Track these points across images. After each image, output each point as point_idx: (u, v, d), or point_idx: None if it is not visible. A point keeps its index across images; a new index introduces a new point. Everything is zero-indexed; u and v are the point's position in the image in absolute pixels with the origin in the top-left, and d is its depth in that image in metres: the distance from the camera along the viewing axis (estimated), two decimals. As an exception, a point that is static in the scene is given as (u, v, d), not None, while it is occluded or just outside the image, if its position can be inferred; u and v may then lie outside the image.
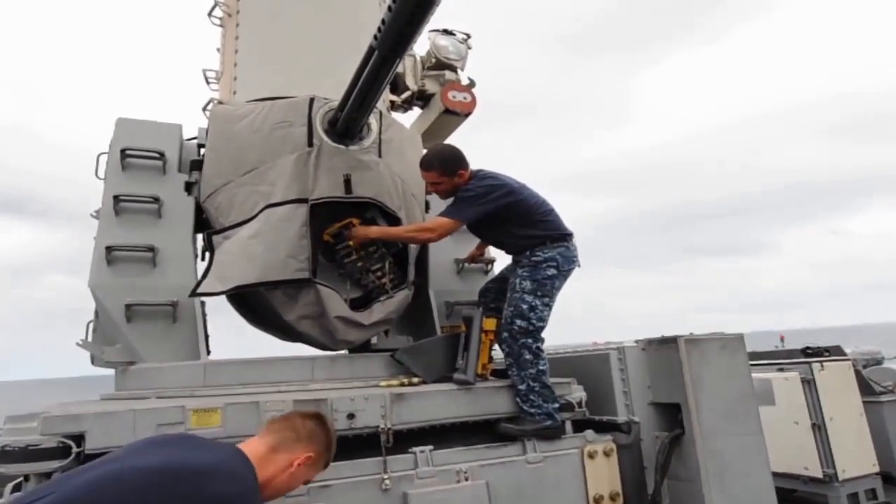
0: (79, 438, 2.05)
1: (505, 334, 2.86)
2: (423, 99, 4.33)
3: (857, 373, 5.43)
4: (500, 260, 3.50)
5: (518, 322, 2.82)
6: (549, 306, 2.88)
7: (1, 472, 1.98)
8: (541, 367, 2.78)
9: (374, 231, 2.98)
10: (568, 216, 3.07)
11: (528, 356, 2.78)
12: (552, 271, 2.88)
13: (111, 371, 2.86)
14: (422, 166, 3.02)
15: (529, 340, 2.80)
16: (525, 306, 2.82)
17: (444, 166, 2.96)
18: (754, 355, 4.40)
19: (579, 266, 3.02)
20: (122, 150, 3.14)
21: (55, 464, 1.99)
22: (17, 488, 2.13)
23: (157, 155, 3.20)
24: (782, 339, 8.66)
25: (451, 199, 3.06)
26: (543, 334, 2.87)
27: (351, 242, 2.93)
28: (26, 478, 2.08)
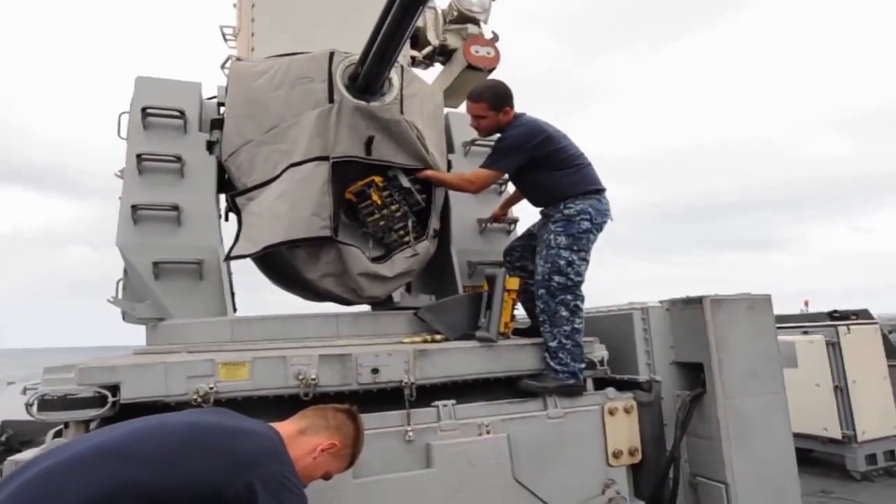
0: (114, 388, 2.11)
1: (542, 291, 2.84)
2: (444, 54, 4.20)
3: (884, 337, 5.37)
4: (524, 220, 3.47)
5: (556, 278, 2.80)
6: (585, 261, 2.86)
7: (42, 420, 2.06)
8: (576, 325, 2.77)
9: (430, 173, 3.06)
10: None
11: (564, 313, 2.77)
12: (586, 224, 2.85)
13: (133, 342, 2.93)
14: (471, 97, 2.99)
15: (569, 297, 2.79)
16: (562, 262, 2.80)
17: (494, 100, 2.94)
18: (780, 318, 4.37)
19: (612, 220, 2.98)
20: (143, 109, 3.13)
21: (92, 412, 2.06)
22: (58, 435, 2.22)
23: (177, 113, 3.19)
24: (807, 304, 8.56)
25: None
26: (583, 289, 2.85)
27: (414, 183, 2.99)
28: (66, 425, 2.16)
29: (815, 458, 5.40)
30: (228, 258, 2.89)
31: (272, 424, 1.78)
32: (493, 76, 3.99)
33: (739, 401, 2.80)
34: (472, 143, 3.68)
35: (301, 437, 1.80)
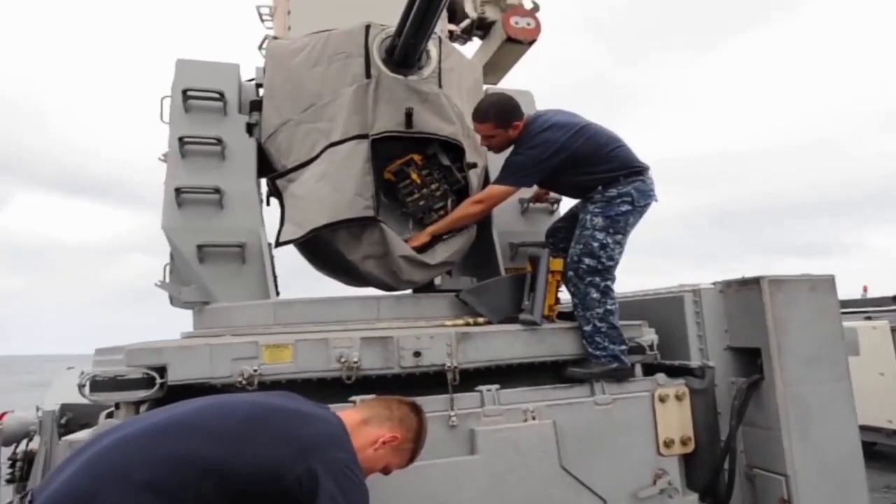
0: (161, 370, 2.13)
1: (570, 273, 2.74)
2: (483, 28, 4.04)
3: (955, 321, 5.01)
4: (567, 199, 3.34)
5: (586, 260, 2.69)
6: (620, 244, 2.73)
7: (94, 400, 2.10)
8: (608, 307, 2.66)
9: (430, 230, 2.87)
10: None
11: (594, 294, 2.67)
12: (626, 207, 2.72)
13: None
14: (476, 118, 2.84)
15: (598, 279, 2.68)
16: (596, 244, 2.69)
17: (500, 118, 2.79)
18: (841, 303, 4.14)
19: (657, 201, 2.83)
20: (184, 91, 3.14)
21: (141, 393, 2.09)
22: (109, 416, 2.27)
23: (217, 95, 3.18)
24: (865, 290, 8.13)
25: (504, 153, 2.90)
26: (616, 272, 2.73)
27: (413, 245, 2.81)
28: (117, 406, 2.20)
29: (879, 451, 5.13)
30: (278, 244, 2.87)
31: (336, 412, 1.76)
32: (534, 48, 3.82)
33: (800, 388, 2.65)
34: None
35: (364, 427, 1.76)
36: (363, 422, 1.78)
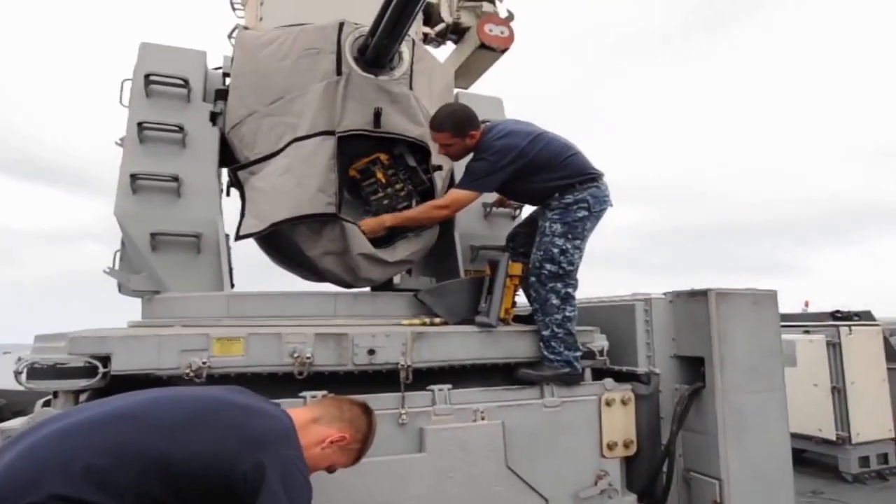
0: (105, 359, 2.08)
1: (532, 279, 2.81)
2: (457, 32, 4.09)
3: (885, 339, 5.33)
4: (528, 206, 3.41)
5: (548, 266, 2.76)
6: (580, 249, 2.81)
7: (31, 388, 2.03)
8: (567, 314, 2.73)
9: (389, 219, 2.88)
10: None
11: (554, 301, 2.74)
12: (583, 213, 2.80)
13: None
14: (432, 127, 2.87)
15: (559, 285, 2.75)
16: (556, 250, 2.76)
17: (457, 128, 2.83)
18: (782, 317, 4.36)
19: (611, 206, 2.93)
20: (147, 76, 3.06)
21: (82, 382, 2.03)
22: (46, 404, 2.19)
23: (181, 82, 3.11)
24: (807, 305, 8.52)
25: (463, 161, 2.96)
26: (576, 276, 2.81)
27: (364, 229, 2.81)
28: (55, 394, 2.13)
29: (808, 458, 5.41)
30: (238, 237, 2.84)
31: (287, 409, 1.74)
32: (506, 56, 3.89)
33: (738, 396, 2.78)
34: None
35: (313, 425, 1.76)
36: (313, 420, 1.78)
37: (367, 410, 1.90)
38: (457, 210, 2.95)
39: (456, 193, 2.87)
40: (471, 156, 2.94)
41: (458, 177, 3.18)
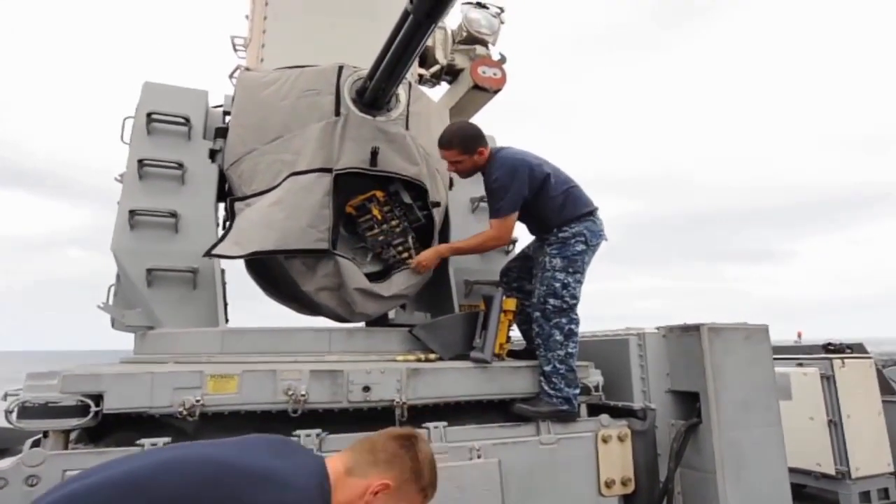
0: (97, 398, 2.06)
1: (537, 314, 2.82)
2: (451, 74, 4.22)
3: (879, 371, 5.33)
4: (522, 240, 3.46)
5: (551, 301, 2.78)
6: (580, 282, 2.85)
7: (21, 427, 1.99)
8: (570, 350, 2.74)
9: (444, 249, 3.04)
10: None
11: (558, 337, 2.74)
12: (581, 247, 2.85)
13: (124, 346, 2.87)
14: (441, 144, 2.94)
15: (563, 320, 2.77)
16: (558, 284, 2.79)
17: (465, 144, 2.90)
18: (775, 349, 4.36)
19: (606, 240, 2.98)
20: (148, 114, 3.12)
21: (74, 421, 2.01)
22: (35, 444, 2.15)
23: (182, 120, 3.18)
24: (800, 336, 8.54)
25: (471, 179, 3.07)
26: (578, 311, 2.83)
27: (422, 261, 2.95)
28: (45, 434, 2.09)
29: (809, 493, 5.33)
30: (208, 254, 2.80)
31: (327, 460, 1.50)
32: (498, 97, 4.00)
33: (735, 432, 2.77)
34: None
35: (348, 479, 1.48)
36: (346, 472, 1.50)
37: (406, 444, 1.60)
38: (509, 234, 2.99)
39: (496, 223, 2.91)
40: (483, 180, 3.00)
41: (451, 212, 3.21)
